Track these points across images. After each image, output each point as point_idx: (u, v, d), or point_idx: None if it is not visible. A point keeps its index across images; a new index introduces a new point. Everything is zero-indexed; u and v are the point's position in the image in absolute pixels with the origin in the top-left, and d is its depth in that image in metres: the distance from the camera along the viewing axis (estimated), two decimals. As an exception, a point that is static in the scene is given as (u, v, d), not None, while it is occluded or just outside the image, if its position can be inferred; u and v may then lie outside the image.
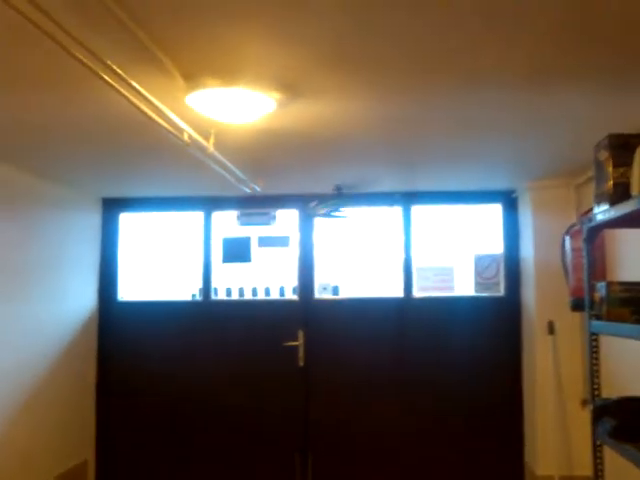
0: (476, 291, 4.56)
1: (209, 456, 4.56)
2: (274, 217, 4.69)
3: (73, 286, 4.34)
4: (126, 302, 4.74)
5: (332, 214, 4.41)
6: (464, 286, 4.59)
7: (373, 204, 4.69)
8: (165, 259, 4.84)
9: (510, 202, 4.55)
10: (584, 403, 3.97)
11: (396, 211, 4.65)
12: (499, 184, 4.36)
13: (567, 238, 3.84)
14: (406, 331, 4.54)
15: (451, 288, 4.56)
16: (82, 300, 4.47)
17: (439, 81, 2.28)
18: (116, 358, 4.65)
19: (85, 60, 1.85)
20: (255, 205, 4.67)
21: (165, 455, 4.58)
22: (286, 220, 4.72)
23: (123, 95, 2.15)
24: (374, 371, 4.52)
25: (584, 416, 3.95)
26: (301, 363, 4.54)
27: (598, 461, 3.00)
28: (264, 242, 4.71)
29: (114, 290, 4.72)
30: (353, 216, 4.58)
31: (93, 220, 4.63)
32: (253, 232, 4.72)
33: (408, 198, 4.60)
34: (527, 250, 4.31)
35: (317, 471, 4.50)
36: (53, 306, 4.09)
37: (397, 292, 4.60)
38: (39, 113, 2.61)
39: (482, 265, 4.55)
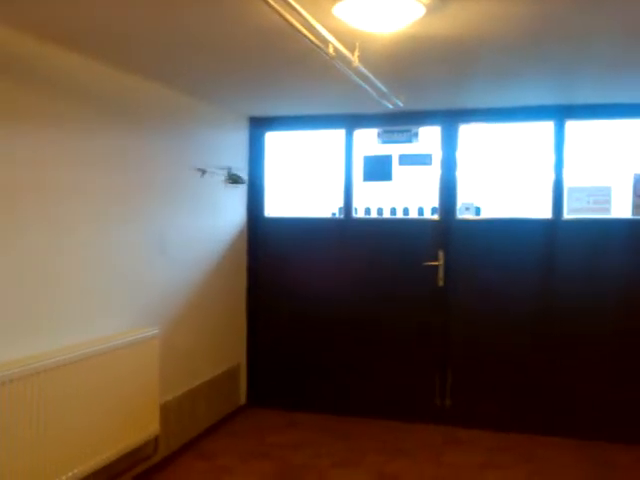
0: (635, 214, 4.21)
1: (347, 367, 4.76)
2: (416, 134, 4.58)
3: (225, 201, 4.59)
4: (272, 218, 4.95)
5: None
6: (622, 208, 4.25)
7: (521, 119, 4.42)
8: (308, 177, 4.96)
9: (682, 115, 4.10)
10: None
11: (547, 126, 4.35)
12: (670, 95, 3.92)
13: None
14: (554, 255, 4.33)
15: (607, 210, 4.25)
16: (233, 215, 4.73)
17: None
18: (264, 270, 4.92)
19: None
20: (397, 122, 4.58)
21: (305, 362, 4.85)
22: (428, 138, 4.60)
23: (271, 6, 2.15)
24: (517, 295, 4.39)
25: None
26: (441, 283, 4.53)
27: None
28: (405, 160, 4.64)
29: (261, 206, 4.93)
30: (499, 132, 4.36)
31: (241, 138, 4.81)
32: (394, 150, 4.66)
33: (561, 112, 4.28)
34: (699, 169, 3.89)
35: (455, 388, 4.56)
36: (209, 219, 4.36)
37: (545, 213, 4.38)
38: (188, 29, 2.67)
39: (643, 185, 4.19)
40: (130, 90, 3.49)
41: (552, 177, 4.34)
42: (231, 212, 4.69)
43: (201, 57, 3.13)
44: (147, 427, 3.49)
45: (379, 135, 4.66)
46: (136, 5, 2.36)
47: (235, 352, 4.85)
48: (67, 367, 2.86)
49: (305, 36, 2.46)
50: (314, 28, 2.41)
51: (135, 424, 3.38)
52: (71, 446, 2.89)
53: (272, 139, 4.95)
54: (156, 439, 3.64)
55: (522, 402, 4.43)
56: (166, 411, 3.80)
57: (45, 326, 2.91)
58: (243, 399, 4.96)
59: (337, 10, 2.27)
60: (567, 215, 4.32)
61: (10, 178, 2.68)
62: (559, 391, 4.36)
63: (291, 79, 3.58)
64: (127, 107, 3.47)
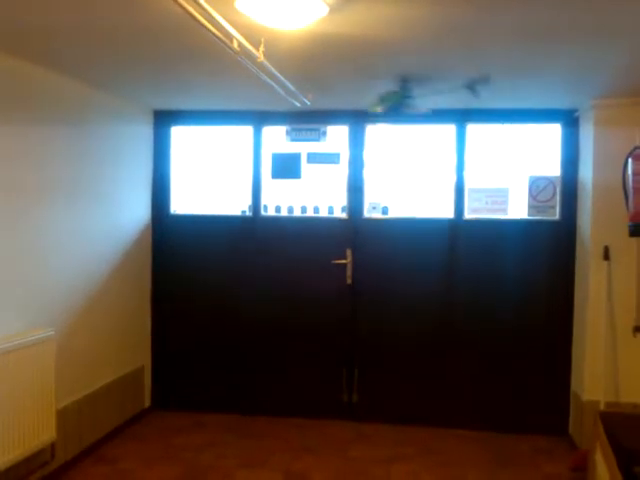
0: (530, 214, 4.43)
1: (255, 366, 4.73)
2: (324, 133, 4.62)
3: (128, 197, 4.44)
4: (178, 215, 4.84)
5: (401, 109, 3.49)
6: (518, 209, 4.46)
7: (425, 122, 4.55)
8: (216, 174, 4.88)
9: (571, 122, 4.34)
10: (636, 330, 3.90)
11: (449, 129, 4.51)
12: (560, 102, 4.15)
13: (630, 160, 3.67)
14: (456, 253, 4.50)
15: (504, 211, 4.45)
16: (137, 211, 4.57)
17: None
18: (170, 269, 4.80)
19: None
20: (305, 120, 4.60)
21: (212, 362, 4.79)
22: (336, 137, 4.64)
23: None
24: (421, 291, 4.52)
25: (635, 344, 3.91)
26: (349, 281, 4.59)
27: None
28: (313, 159, 4.67)
29: (167, 203, 4.80)
30: (404, 133, 4.46)
31: (146, 132, 4.66)
32: (303, 148, 4.67)
33: (463, 115, 4.44)
34: (586, 172, 4.14)
35: (362, 385, 4.63)
36: (110, 216, 4.20)
37: (447, 213, 4.53)
38: (86, 17, 2.56)
39: (537, 187, 4.41)
40: (26, 79, 3.31)
41: (454, 178, 4.50)
42: (135, 209, 4.54)
43: (101, 47, 3.01)
44: (42, 433, 3.34)
45: (288, 133, 4.66)
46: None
47: (139, 353, 4.70)
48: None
49: (207, 29, 2.41)
50: (216, 21, 2.37)
51: (29, 430, 3.22)
52: (-46, 456, 2.71)
53: (178, 134, 4.83)
54: (52, 445, 3.50)
55: (426, 396, 4.56)
56: (64, 416, 3.65)
57: None
58: (148, 401, 4.81)
59: (239, 4, 2.24)
60: (468, 215, 4.49)
61: None
62: (460, 385, 4.52)
63: (196, 73, 3.50)
64: (22, 97, 3.28)
